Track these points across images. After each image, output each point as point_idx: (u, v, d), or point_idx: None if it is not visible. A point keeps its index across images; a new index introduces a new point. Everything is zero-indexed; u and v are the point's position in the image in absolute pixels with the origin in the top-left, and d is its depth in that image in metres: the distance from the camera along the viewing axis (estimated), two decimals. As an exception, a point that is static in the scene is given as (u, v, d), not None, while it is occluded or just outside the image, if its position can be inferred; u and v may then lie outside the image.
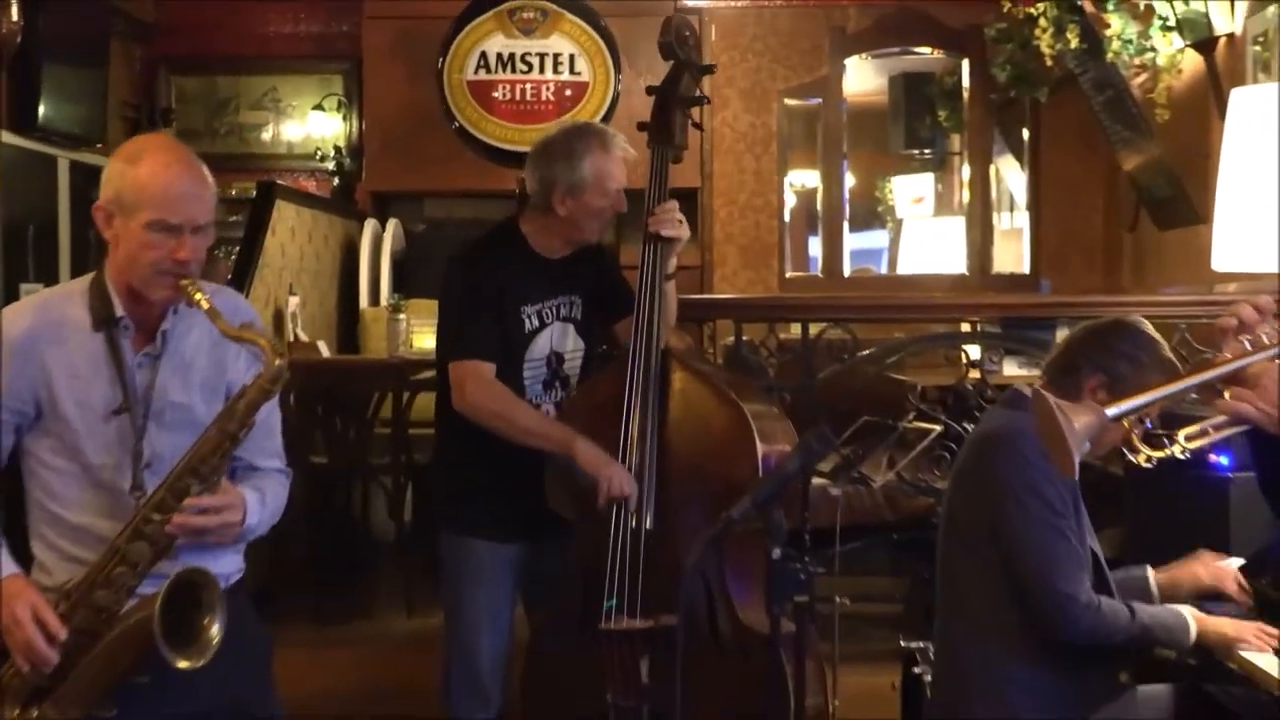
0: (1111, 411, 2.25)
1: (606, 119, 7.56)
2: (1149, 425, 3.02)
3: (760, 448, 3.46)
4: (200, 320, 2.78)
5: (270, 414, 2.95)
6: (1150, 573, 3.48)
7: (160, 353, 2.83)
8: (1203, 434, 2.62)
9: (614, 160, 3.78)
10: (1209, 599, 3.41)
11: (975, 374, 5.19)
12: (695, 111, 3.96)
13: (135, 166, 2.74)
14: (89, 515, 2.79)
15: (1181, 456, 2.67)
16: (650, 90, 3.90)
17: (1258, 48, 5.74)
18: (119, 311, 2.80)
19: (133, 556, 2.69)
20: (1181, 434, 2.65)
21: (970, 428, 4.84)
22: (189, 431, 2.76)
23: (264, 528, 2.89)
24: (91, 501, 2.79)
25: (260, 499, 2.85)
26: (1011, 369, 5.97)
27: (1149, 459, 2.80)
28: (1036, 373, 5.94)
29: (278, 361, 2.70)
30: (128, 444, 2.77)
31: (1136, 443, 2.84)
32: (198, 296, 2.71)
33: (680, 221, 3.73)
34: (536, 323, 3.81)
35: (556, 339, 3.86)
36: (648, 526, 3.54)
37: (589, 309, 3.93)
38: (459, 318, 3.77)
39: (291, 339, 7.15)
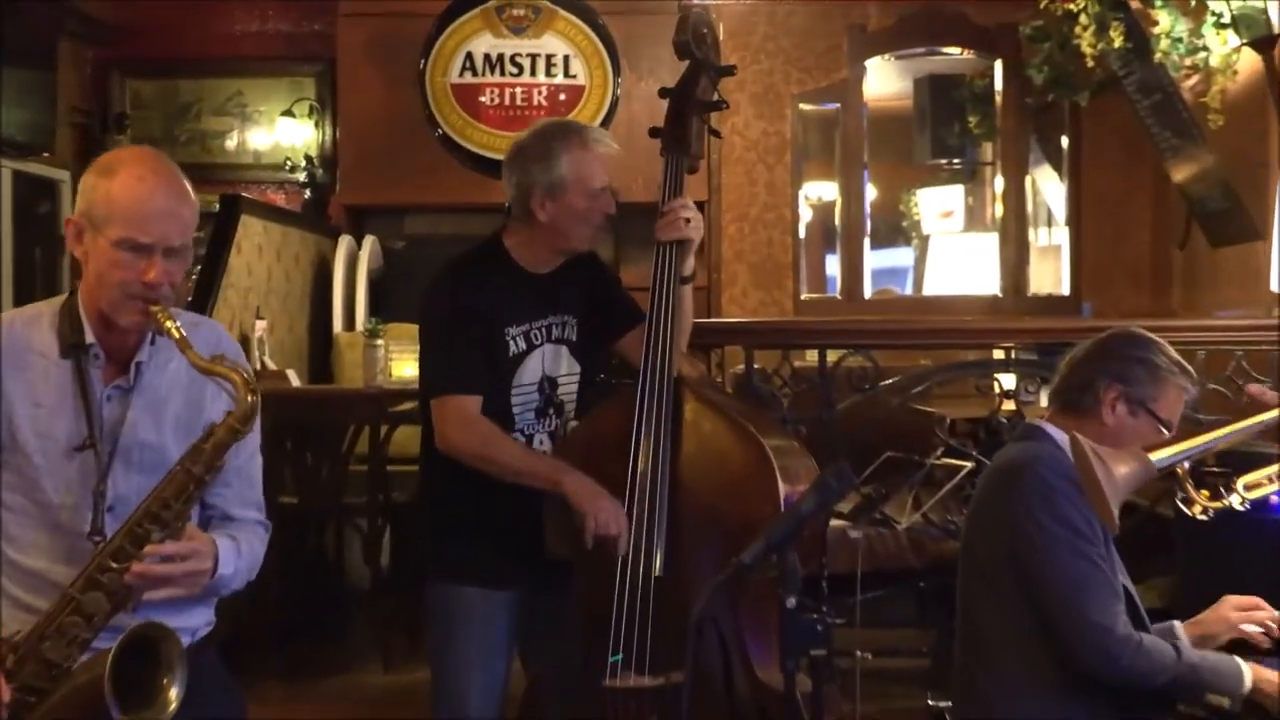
0: (1158, 460, 2.24)
1: (604, 125, 7.58)
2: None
3: (783, 488, 3.43)
4: (179, 354, 2.78)
5: (250, 460, 2.95)
6: (1178, 626, 3.47)
7: (132, 386, 2.82)
8: (1267, 482, 2.61)
9: (594, 156, 3.77)
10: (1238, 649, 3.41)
11: (1009, 405, 5.18)
12: (712, 118, 3.94)
13: (109, 179, 2.75)
14: (45, 560, 2.77)
15: (1240, 508, 2.67)
16: (664, 93, 3.86)
17: (1321, 46, 5.76)
18: (89, 338, 2.80)
19: (87, 608, 2.66)
20: (1241, 482, 2.64)
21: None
22: (158, 474, 2.73)
23: (239, 580, 2.86)
24: (48, 545, 2.77)
25: (235, 548, 2.82)
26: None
27: (1205, 510, 2.80)
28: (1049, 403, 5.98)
29: (250, 399, 2.69)
30: (90, 482, 2.75)
31: (1191, 491, 2.84)
32: (168, 324, 2.70)
33: (688, 221, 3.71)
34: (524, 345, 3.80)
35: (549, 362, 3.84)
36: (657, 573, 3.51)
37: (585, 329, 3.92)
38: (438, 348, 3.77)
39: (258, 367, 7.15)
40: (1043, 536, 3.19)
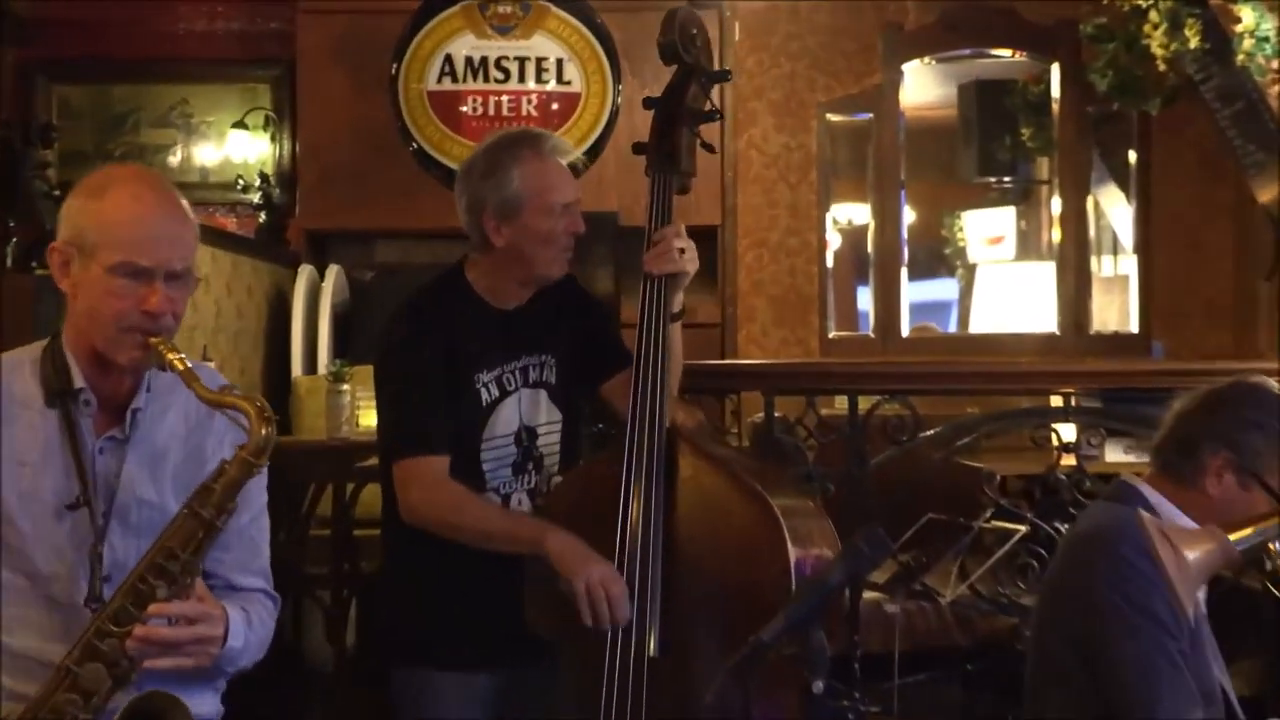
0: (1239, 541, 2.23)
1: (603, 139, 7.61)
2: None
3: (793, 551, 3.42)
4: (178, 400, 2.78)
5: (254, 521, 2.97)
6: None
7: (128, 437, 2.83)
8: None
9: (551, 167, 3.78)
10: None
11: (1069, 460, 5.19)
12: (706, 130, 3.93)
13: (99, 200, 2.77)
14: (36, 638, 2.75)
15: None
16: (649, 103, 3.87)
17: None
18: (78, 383, 2.80)
19: (85, 682, 2.63)
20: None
21: (1064, 528, 4.84)
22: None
23: (248, 658, 2.86)
24: (39, 621, 2.75)
25: (245, 619, 2.82)
26: (1115, 454, 5.97)
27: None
28: (1148, 459, 5.97)
29: (264, 430, 2.70)
30: (84, 547, 2.74)
31: (1280, 564, 2.84)
32: (171, 357, 2.71)
33: (682, 251, 3.68)
34: (496, 392, 3.80)
35: (526, 410, 3.85)
36: (652, 652, 3.50)
37: (566, 370, 3.92)
38: (397, 403, 3.78)
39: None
40: (1118, 623, 3.16)
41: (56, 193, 6.05)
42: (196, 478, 2.80)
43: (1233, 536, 2.18)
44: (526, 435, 3.87)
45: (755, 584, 3.41)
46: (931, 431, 5.18)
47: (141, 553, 2.71)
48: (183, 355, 2.73)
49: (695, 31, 3.86)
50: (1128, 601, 3.15)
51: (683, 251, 3.69)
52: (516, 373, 3.85)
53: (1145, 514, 2.16)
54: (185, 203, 2.83)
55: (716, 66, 4.01)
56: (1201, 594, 3.16)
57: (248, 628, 2.82)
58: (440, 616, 3.79)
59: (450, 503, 3.68)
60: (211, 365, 7.08)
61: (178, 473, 2.85)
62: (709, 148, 3.94)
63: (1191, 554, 2.11)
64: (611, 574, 3.47)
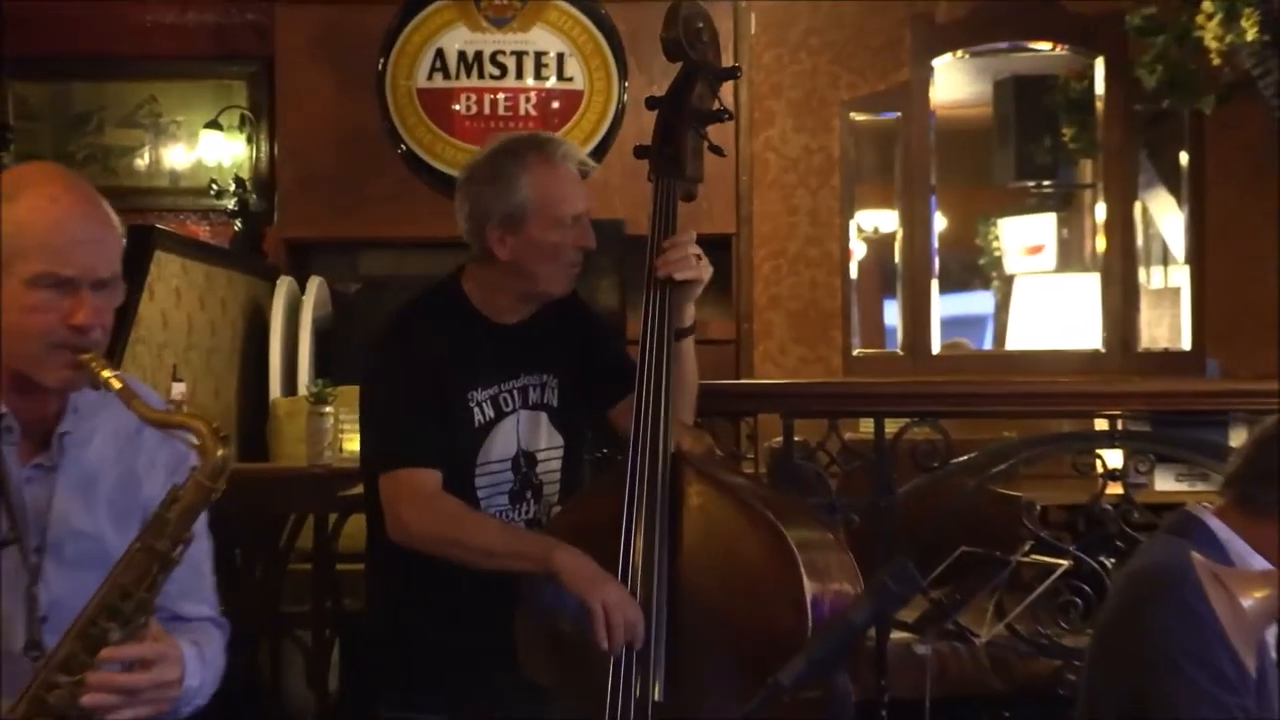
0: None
1: (608, 141, 7.62)
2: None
3: (809, 587, 3.41)
4: (106, 419, 2.75)
5: (198, 545, 2.86)
6: None
7: (56, 464, 2.80)
8: None
9: (561, 176, 3.77)
10: None
11: (1115, 489, 5.18)
12: (716, 132, 3.92)
13: (12, 204, 2.70)
14: None
15: None
16: (652, 103, 3.86)
17: None
18: (0, 408, 2.77)
19: None
20: None
21: (1109, 563, 4.82)
22: (99, 570, 2.65)
23: (204, 695, 2.81)
24: None
25: (199, 655, 2.77)
26: (1166, 482, 5.97)
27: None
28: (1201, 488, 5.96)
29: (220, 452, 2.63)
30: (18, 589, 2.70)
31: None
32: (106, 375, 2.65)
33: (699, 258, 3.68)
34: (491, 413, 3.80)
35: (524, 434, 3.85)
36: (657, 697, 3.49)
37: (569, 391, 3.92)
38: (386, 417, 3.77)
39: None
40: (1174, 677, 3.12)
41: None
42: (131, 503, 2.80)
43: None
44: (525, 460, 3.87)
45: (768, 623, 3.40)
46: (965, 457, 5.17)
47: (80, 589, 2.65)
48: (118, 372, 2.67)
49: (701, 25, 3.85)
50: (1186, 654, 3.12)
51: (699, 258, 3.69)
52: (515, 393, 3.84)
53: (1197, 555, 2.12)
54: (106, 204, 2.77)
55: (730, 63, 4.00)
56: (1272, 635, 3.14)
57: (202, 664, 2.77)
58: (429, 658, 3.79)
59: (446, 517, 3.65)
60: (181, 387, 7.10)
61: (111, 499, 2.82)
62: (718, 151, 3.92)
63: (1248, 600, 2.07)
64: (625, 595, 3.45)
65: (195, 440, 2.64)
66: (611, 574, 3.49)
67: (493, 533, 3.69)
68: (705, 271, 3.70)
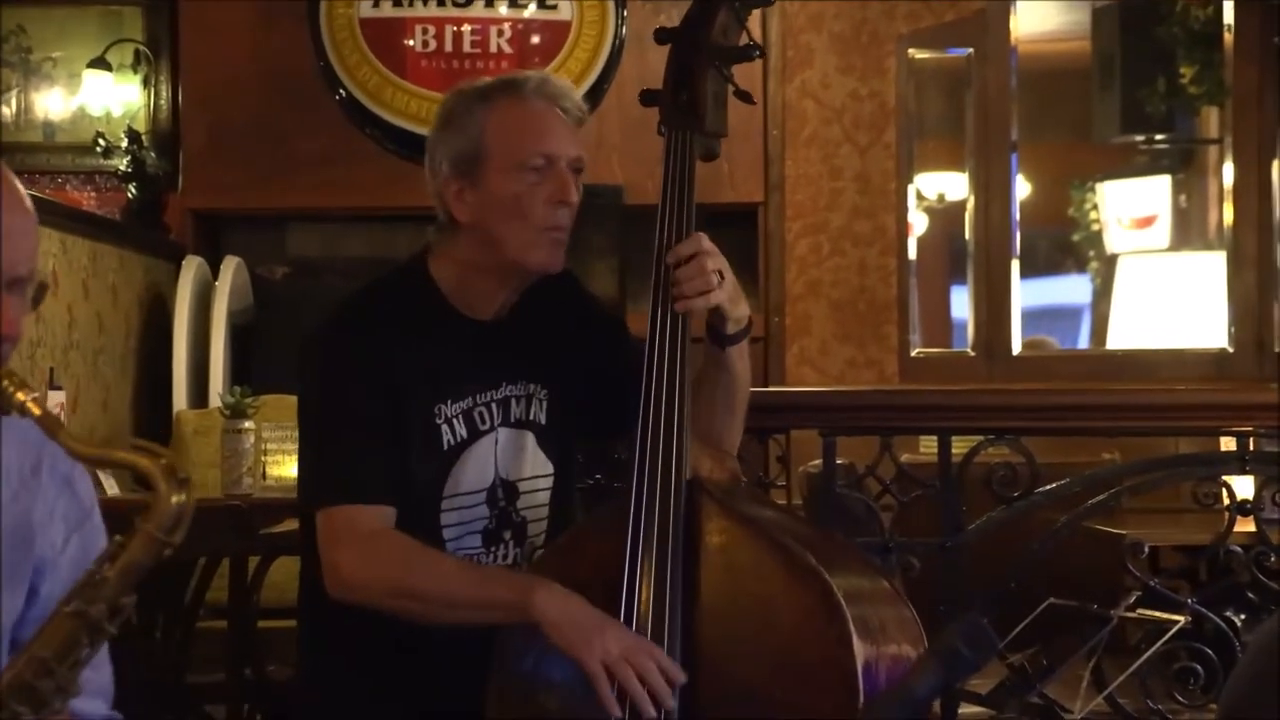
0: None
1: (601, 86, 7.63)
2: None
3: (860, 651, 3.42)
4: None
5: None
6: None
7: None
8: None
9: (530, 110, 3.74)
10: None
11: (1247, 525, 5.19)
12: (741, 74, 3.91)
13: None
14: None
15: None
16: (662, 36, 3.84)
17: None
18: None
19: None
20: None
21: (1239, 620, 4.84)
22: None
23: None
24: None
25: None
26: (1312, 518, 5.99)
27: None
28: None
29: (176, 498, 2.59)
30: None
31: None
32: (23, 399, 2.58)
33: (719, 274, 3.60)
34: (464, 432, 3.79)
35: (504, 458, 3.84)
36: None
37: (563, 407, 3.92)
38: (325, 438, 3.77)
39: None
40: None
41: None
42: (21, 561, 2.81)
43: None
44: (504, 492, 3.85)
45: (808, 694, 3.42)
46: (1053, 485, 5.18)
47: None
48: (36, 394, 2.61)
49: (723, -57, 3.87)
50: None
51: (721, 276, 3.63)
52: (494, 406, 3.82)
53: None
54: (19, 187, 2.73)
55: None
56: None
57: None
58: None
59: (391, 560, 3.63)
60: (60, 396, 7.13)
61: None
62: (745, 98, 3.89)
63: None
64: (634, 641, 3.43)
65: (146, 478, 2.60)
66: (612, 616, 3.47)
67: (451, 575, 3.65)
68: (722, 296, 3.63)
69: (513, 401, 3.84)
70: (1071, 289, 11.21)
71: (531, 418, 3.87)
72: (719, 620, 3.53)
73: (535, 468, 3.89)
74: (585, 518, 3.92)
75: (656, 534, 3.51)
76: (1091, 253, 11.22)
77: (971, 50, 9.08)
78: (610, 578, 3.52)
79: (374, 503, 3.66)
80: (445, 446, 3.76)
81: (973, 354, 8.96)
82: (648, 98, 3.83)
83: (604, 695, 3.38)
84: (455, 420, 3.78)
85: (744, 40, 3.87)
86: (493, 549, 3.82)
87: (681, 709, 3.46)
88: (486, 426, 3.81)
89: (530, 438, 3.87)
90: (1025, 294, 9.06)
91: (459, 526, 3.78)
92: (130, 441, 2.64)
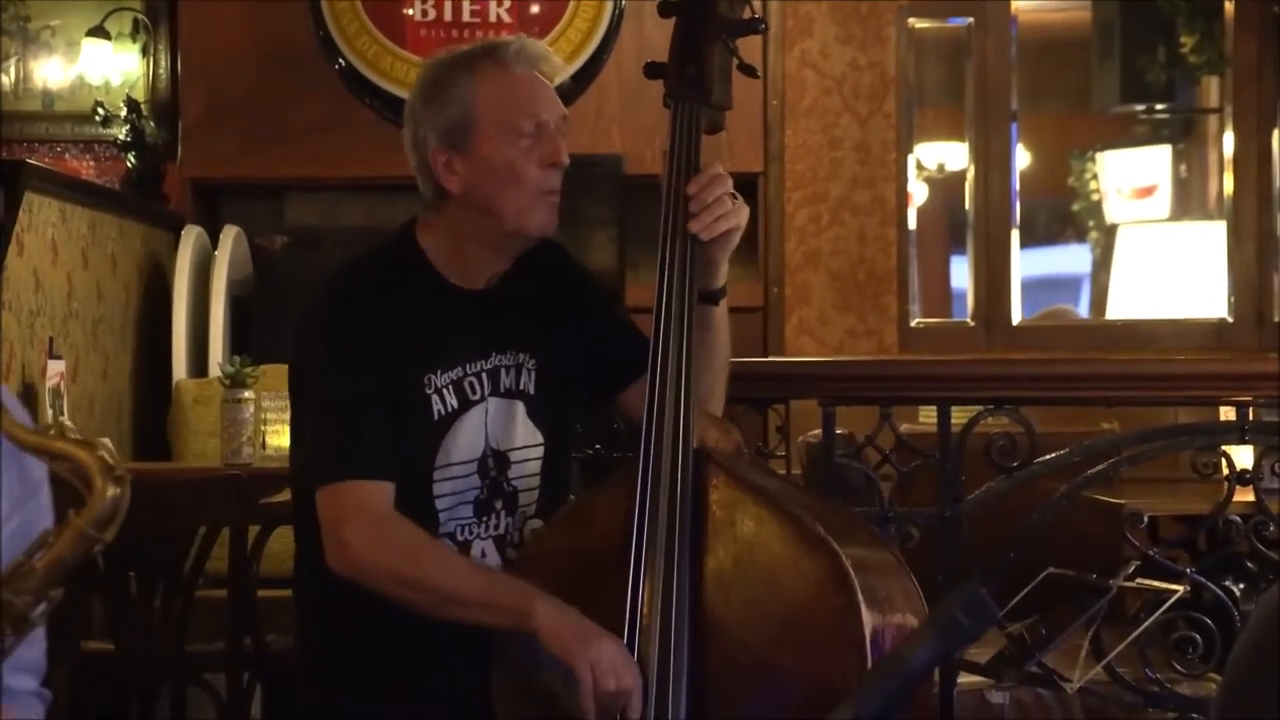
0: None
1: (600, 57, 7.62)
2: None
3: (868, 620, 3.43)
4: None
5: None
6: None
7: None
8: None
9: (515, 77, 3.76)
10: None
11: (1246, 495, 5.19)
12: (744, 46, 3.90)
13: None
14: None
15: None
16: (666, 9, 3.85)
17: None
18: None
19: None
20: None
21: (1238, 589, 4.84)
22: None
23: None
24: None
25: None
26: (1310, 487, 5.99)
27: None
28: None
29: (111, 491, 2.56)
30: None
31: None
32: None
33: (734, 197, 3.68)
34: (455, 402, 3.80)
35: (495, 427, 3.85)
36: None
37: (551, 375, 3.92)
38: (325, 413, 3.78)
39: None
40: None
41: None
42: None
43: None
44: (495, 462, 3.86)
45: (816, 663, 3.42)
46: (1053, 455, 5.18)
47: None
48: None
49: (728, -86, 3.87)
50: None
51: (735, 198, 3.69)
52: (484, 376, 3.83)
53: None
54: None
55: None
56: None
57: None
58: (376, 708, 3.81)
59: (403, 550, 3.64)
60: (59, 366, 7.12)
61: None
62: (750, 71, 3.92)
63: None
64: (621, 654, 3.46)
65: (78, 471, 2.58)
66: (609, 629, 3.48)
67: (460, 575, 3.67)
68: (743, 215, 3.71)
69: (502, 371, 3.85)
70: (1071, 259, 11.22)
71: (521, 387, 3.88)
72: (728, 589, 3.54)
73: (526, 437, 3.89)
74: (592, 487, 3.90)
75: (665, 503, 3.52)
76: (1091, 223, 11.24)
77: (971, 20, 9.08)
78: (619, 546, 3.53)
79: (380, 478, 3.67)
80: (436, 417, 3.77)
81: (972, 324, 8.96)
82: (653, 70, 3.84)
83: (585, 701, 3.42)
84: (445, 390, 3.79)
85: (749, 14, 3.88)
86: (484, 519, 3.83)
87: (690, 678, 3.49)
88: (477, 396, 3.82)
89: (520, 407, 3.88)
90: (1025, 264, 9.07)
91: (452, 497, 3.80)
92: (68, 433, 2.62)
